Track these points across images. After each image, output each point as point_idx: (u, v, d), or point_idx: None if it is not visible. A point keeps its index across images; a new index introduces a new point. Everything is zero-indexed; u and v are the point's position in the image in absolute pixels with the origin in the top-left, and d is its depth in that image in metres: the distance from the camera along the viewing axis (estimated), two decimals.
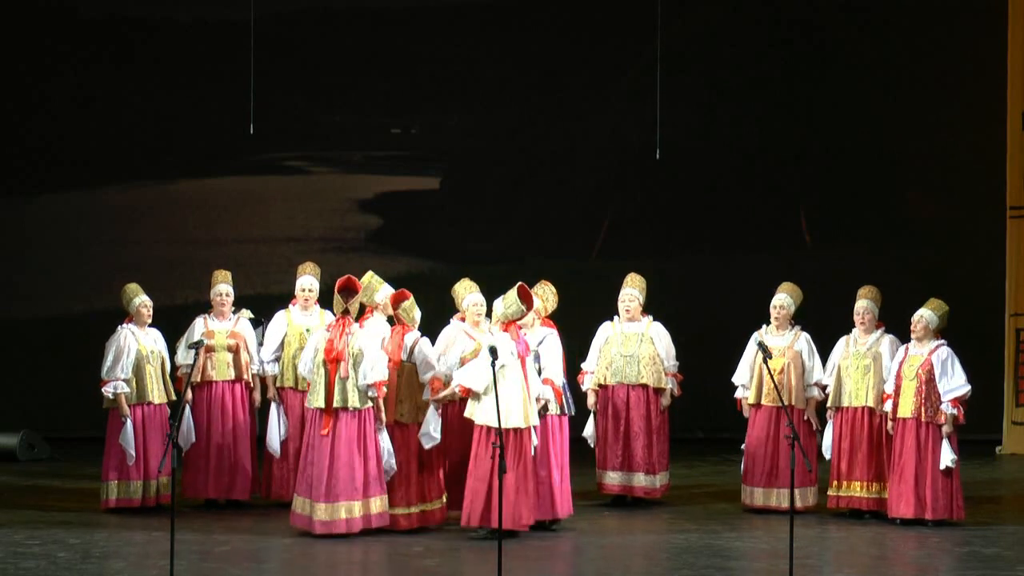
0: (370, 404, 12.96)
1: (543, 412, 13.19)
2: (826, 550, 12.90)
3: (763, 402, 14.15)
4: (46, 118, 19.15)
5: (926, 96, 19.18)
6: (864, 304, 14.04)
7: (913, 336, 13.68)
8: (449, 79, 19.31)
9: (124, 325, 14.05)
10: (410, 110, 19.50)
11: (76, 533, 12.98)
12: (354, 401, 12.87)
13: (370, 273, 13.63)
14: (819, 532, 13.42)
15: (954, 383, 13.49)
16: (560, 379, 13.35)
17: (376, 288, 13.53)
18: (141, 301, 14.09)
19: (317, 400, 12.95)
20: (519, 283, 13.02)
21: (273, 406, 14.32)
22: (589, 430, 14.57)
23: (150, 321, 14.11)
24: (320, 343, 13.04)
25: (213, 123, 18.82)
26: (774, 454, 14.10)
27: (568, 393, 13.53)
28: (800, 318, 14.38)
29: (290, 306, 14.52)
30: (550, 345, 13.31)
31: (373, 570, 12.17)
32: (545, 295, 13.52)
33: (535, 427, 12.97)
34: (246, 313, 14.69)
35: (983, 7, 18.74)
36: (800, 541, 12.24)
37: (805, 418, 14.15)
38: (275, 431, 14.24)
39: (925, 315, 13.68)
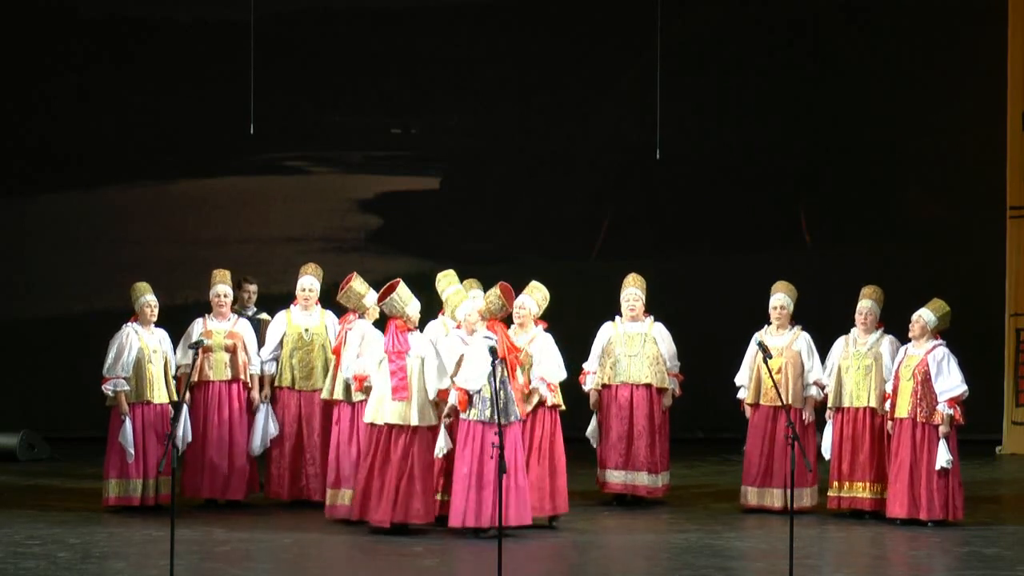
0: (361, 398, 13.21)
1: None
2: (826, 550, 12.90)
3: (761, 402, 14.15)
4: (46, 118, 19.12)
5: (926, 96, 19.18)
6: (867, 304, 14.01)
7: (911, 336, 13.68)
8: (449, 79, 19.30)
9: (128, 323, 14.04)
10: (410, 110, 19.50)
11: (76, 533, 12.97)
12: (340, 394, 13.49)
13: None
14: (819, 532, 13.42)
15: (950, 383, 13.46)
16: (470, 384, 12.72)
17: (446, 289, 13.66)
18: (145, 301, 14.05)
19: (324, 391, 13.79)
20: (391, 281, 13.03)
21: (263, 407, 14.33)
22: (592, 430, 14.56)
23: (154, 320, 14.06)
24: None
25: (213, 123, 18.81)
26: (770, 454, 14.09)
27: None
28: (799, 318, 14.37)
29: (292, 306, 14.53)
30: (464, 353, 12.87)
31: (373, 569, 12.16)
32: (499, 300, 12.95)
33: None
34: (266, 318, 14.73)
35: (983, 7, 18.73)
36: (800, 541, 12.22)
37: (803, 418, 14.14)
38: (259, 431, 14.27)
39: (923, 315, 13.66)
